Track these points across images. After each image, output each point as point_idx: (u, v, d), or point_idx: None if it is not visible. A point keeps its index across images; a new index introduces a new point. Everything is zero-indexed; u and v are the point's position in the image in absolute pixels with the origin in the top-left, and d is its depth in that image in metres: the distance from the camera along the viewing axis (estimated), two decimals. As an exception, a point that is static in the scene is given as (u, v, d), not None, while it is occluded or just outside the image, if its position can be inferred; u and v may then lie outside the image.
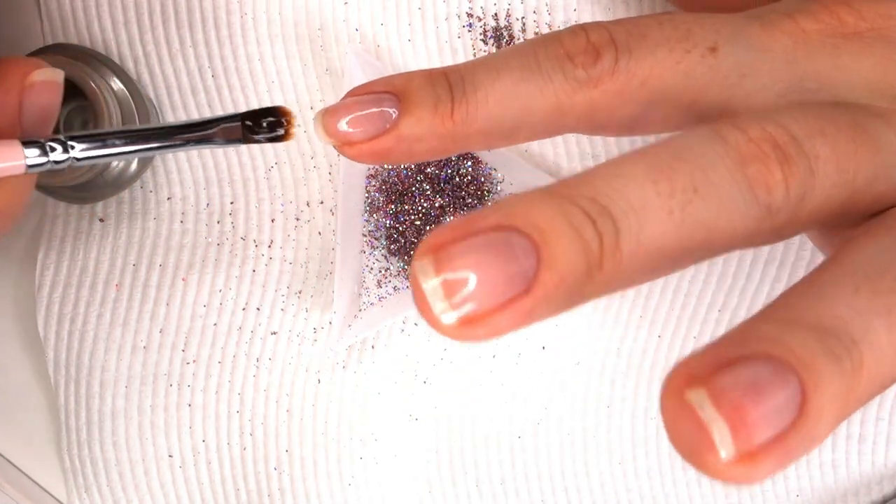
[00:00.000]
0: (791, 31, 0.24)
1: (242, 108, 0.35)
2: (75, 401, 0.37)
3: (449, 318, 0.18)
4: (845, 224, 0.23)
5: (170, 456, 0.37)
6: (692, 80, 0.24)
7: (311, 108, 0.36)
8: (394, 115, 0.24)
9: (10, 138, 0.24)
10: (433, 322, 0.18)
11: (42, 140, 0.23)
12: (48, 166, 0.23)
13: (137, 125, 0.26)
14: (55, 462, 0.38)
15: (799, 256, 0.36)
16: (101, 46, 0.35)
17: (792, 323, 0.18)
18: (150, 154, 0.25)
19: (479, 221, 0.18)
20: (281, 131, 0.26)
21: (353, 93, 0.24)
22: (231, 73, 0.35)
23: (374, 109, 0.24)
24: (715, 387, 0.17)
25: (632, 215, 0.18)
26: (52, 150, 0.23)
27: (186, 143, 0.25)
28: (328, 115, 0.24)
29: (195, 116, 0.36)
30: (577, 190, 0.18)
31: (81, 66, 0.31)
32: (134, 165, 0.34)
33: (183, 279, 0.36)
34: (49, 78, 0.24)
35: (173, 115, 0.36)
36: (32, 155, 0.23)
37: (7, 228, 0.24)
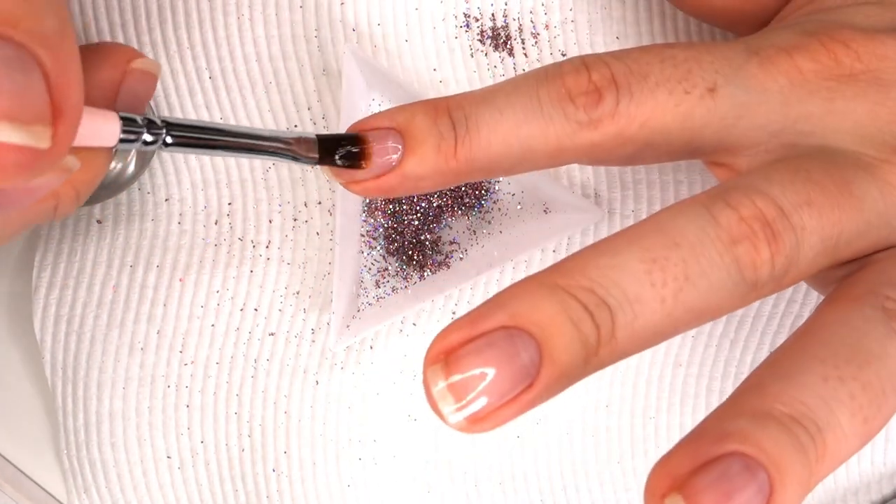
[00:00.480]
0: (788, 70, 0.25)
1: (240, 110, 0.36)
2: (73, 402, 0.37)
3: (457, 417, 0.19)
4: (828, 271, 0.25)
5: (168, 457, 0.37)
6: (690, 122, 0.24)
7: (309, 109, 0.36)
8: (397, 150, 0.24)
9: None
10: (444, 420, 0.19)
11: (138, 117, 0.23)
12: (138, 145, 0.23)
13: (234, 125, 0.25)
14: (54, 462, 0.38)
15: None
16: (99, 48, 0.35)
17: (763, 416, 0.20)
18: (236, 156, 0.25)
19: (485, 322, 0.20)
20: (355, 159, 0.25)
21: (356, 128, 0.25)
22: (229, 74, 0.35)
23: (378, 146, 0.24)
24: (690, 492, 0.19)
25: (627, 307, 0.20)
26: (146, 129, 0.23)
27: (272, 152, 0.25)
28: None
29: (193, 117, 0.36)
30: (575, 281, 0.20)
31: (79, 67, 0.31)
32: (132, 167, 0.34)
33: (180, 280, 0.36)
34: (149, 68, 0.24)
35: (170, 116, 0.36)
36: (127, 129, 0.23)
37: (72, 208, 0.24)
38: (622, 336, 0.20)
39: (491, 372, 0.19)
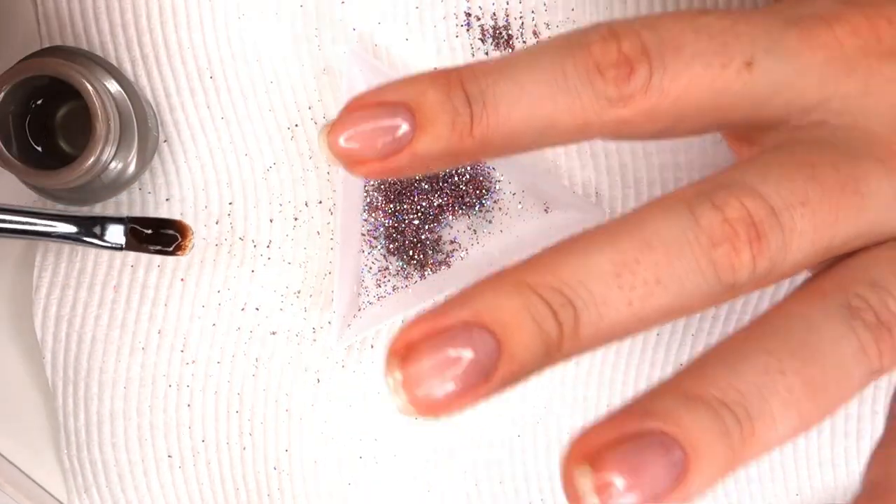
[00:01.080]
0: (828, 43, 0.23)
1: (241, 110, 0.35)
2: (74, 402, 0.37)
3: (407, 405, 0.19)
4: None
5: (169, 456, 0.37)
6: (726, 98, 0.23)
7: (310, 108, 0.36)
8: (404, 128, 0.22)
9: None
10: (398, 408, 0.20)
11: None
12: None
13: (19, 205, 0.24)
14: (55, 462, 0.38)
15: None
16: (99, 48, 0.35)
17: (694, 398, 0.20)
18: (18, 238, 0.23)
19: (448, 318, 0.20)
20: (168, 248, 0.24)
21: (360, 103, 0.22)
22: (230, 74, 0.35)
23: (385, 122, 0.22)
24: (600, 464, 0.19)
25: (593, 308, 0.20)
26: None
27: (61, 237, 0.23)
28: (333, 133, 0.22)
29: (194, 120, 0.36)
30: (543, 279, 0.20)
31: (79, 68, 0.31)
32: (132, 167, 0.34)
33: (182, 280, 0.36)
34: None
35: (172, 117, 0.36)
36: None
37: None
38: (586, 334, 0.20)
39: (449, 367, 0.19)
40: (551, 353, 0.20)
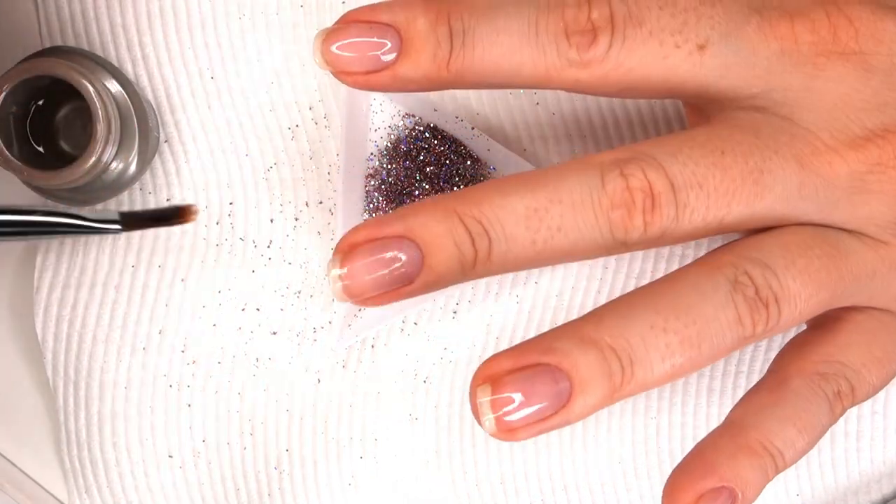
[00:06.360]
0: (784, 36, 0.25)
1: (242, 111, 0.36)
2: (74, 402, 0.37)
3: (338, 287, 0.23)
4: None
5: (170, 456, 0.37)
6: (674, 75, 0.25)
7: (310, 108, 0.36)
8: (390, 47, 0.25)
9: None
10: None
11: None
12: None
13: (20, 205, 0.24)
14: (55, 462, 0.38)
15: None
16: (100, 49, 0.35)
17: (590, 342, 0.23)
18: (17, 241, 0.24)
19: (386, 228, 0.23)
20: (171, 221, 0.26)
21: (355, 17, 0.25)
22: (231, 75, 0.35)
23: (374, 39, 0.25)
24: (498, 384, 0.23)
25: (503, 241, 0.23)
26: None
27: (60, 231, 0.24)
28: (327, 41, 0.25)
29: (194, 120, 0.36)
30: (469, 210, 0.23)
31: (79, 68, 0.32)
32: (133, 168, 0.35)
33: (182, 280, 0.36)
34: None
35: (172, 117, 0.36)
36: None
37: None
38: (496, 262, 0.24)
39: (381, 268, 0.23)
40: (466, 271, 0.24)
